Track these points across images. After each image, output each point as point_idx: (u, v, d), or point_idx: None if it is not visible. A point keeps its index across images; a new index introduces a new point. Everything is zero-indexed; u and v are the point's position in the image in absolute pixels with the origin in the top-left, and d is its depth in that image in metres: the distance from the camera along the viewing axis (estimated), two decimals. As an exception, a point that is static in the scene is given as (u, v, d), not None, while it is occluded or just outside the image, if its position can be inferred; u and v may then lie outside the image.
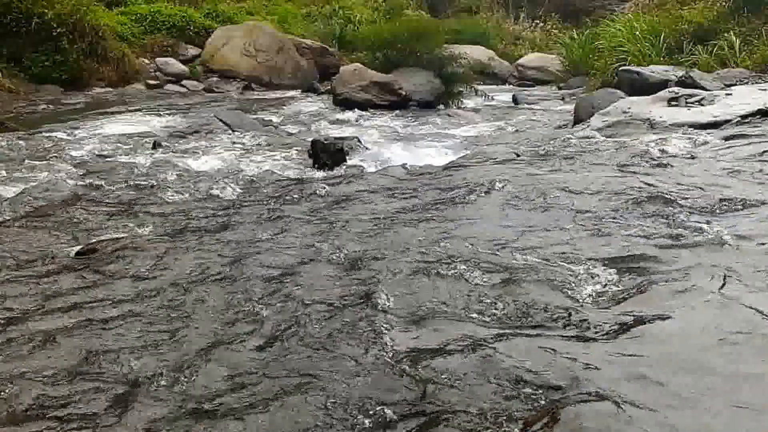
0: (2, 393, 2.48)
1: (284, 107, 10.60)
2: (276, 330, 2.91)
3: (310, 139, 6.96)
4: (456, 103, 10.69)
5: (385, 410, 2.27)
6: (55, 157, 6.61)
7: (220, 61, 14.98)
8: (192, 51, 15.32)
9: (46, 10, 12.06)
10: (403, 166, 5.71)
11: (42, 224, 4.53)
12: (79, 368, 2.66)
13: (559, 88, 13.97)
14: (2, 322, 3.05)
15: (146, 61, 14.51)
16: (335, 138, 6.46)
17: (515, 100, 11.73)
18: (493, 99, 11.28)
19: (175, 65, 14.49)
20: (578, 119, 7.43)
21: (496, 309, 2.91)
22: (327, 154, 6.10)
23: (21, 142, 7.20)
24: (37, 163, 6.32)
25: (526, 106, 11.01)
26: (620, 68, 10.39)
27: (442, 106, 10.47)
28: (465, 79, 11.06)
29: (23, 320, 3.07)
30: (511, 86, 16.13)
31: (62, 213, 4.77)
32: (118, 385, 2.54)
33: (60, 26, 12.28)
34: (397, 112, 9.84)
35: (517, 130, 8.17)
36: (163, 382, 2.55)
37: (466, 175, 5.39)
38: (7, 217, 4.67)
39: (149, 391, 2.51)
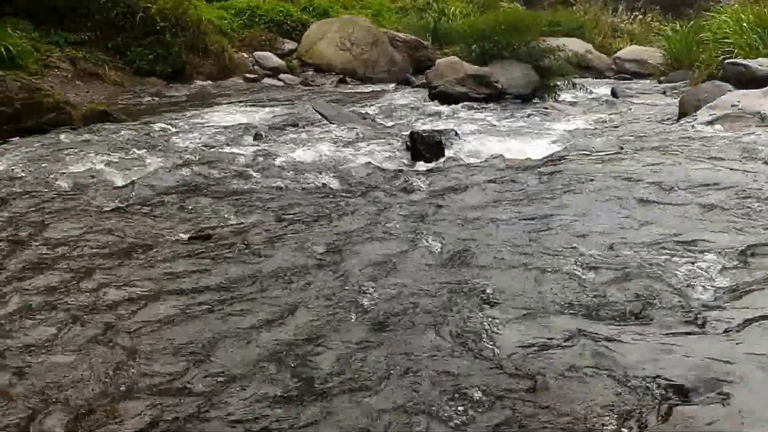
0: (123, 369, 2.62)
1: (379, 100, 10.67)
2: (380, 318, 2.96)
3: (408, 132, 6.99)
4: (553, 97, 10.51)
5: (493, 401, 2.27)
6: (163, 146, 6.88)
7: (315, 55, 15.24)
8: (288, 45, 15.63)
9: (150, 5, 12.55)
10: (503, 158, 5.67)
11: (154, 211, 4.74)
12: (193, 348, 2.78)
13: (660, 82, 13.51)
14: (122, 304, 3.21)
15: (245, 55, 14.89)
16: (433, 130, 6.46)
17: (614, 93, 11.43)
18: (591, 92, 11.02)
19: (272, 59, 14.82)
20: (683, 113, 7.18)
21: (607, 304, 2.86)
22: (425, 146, 6.11)
23: (129, 132, 7.52)
24: (145, 152, 6.60)
25: (625, 99, 10.71)
26: (726, 61, 9.97)
27: (538, 100, 10.31)
28: (562, 72, 10.85)
29: (142, 302, 3.22)
30: (609, 79, 15.71)
31: (173, 200, 4.97)
32: (231, 364, 2.64)
33: (163, 20, 12.76)
34: (493, 105, 9.74)
35: (618, 124, 7.96)
36: (274, 362, 2.64)
37: (567, 168, 5.31)
38: (121, 204, 4.90)
39: (262, 370, 2.60)
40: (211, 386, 2.51)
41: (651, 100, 10.36)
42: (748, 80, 8.38)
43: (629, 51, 18.46)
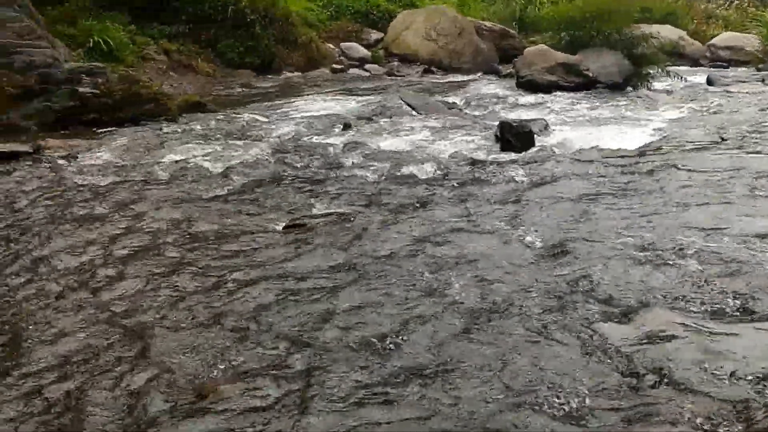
0: (226, 353, 2.71)
1: (466, 90, 10.61)
2: (474, 309, 2.96)
3: (497, 122, 6.93)
4: (645, 85, 10.20)
5: (598, 395, 2.24)
6: (255, 136, 7.05)
7: (401, 45, 15.26)
8: (374, 35, 15.71)
9: (241, -2, 12.83)
10: (597, 149, 5.55)
11: (250, 200, 4.86)
12: (293, 331, 2.84)
13: (758, 70, 12.93)
14: (223, 291, 3.31)
15: (331, 46, 15.05)
16: (522, 120, 6.38)
17: (710, 81, 11.00)
18: (685, 80, 10.64)
19: (358, 50, 14.93)
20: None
21: (715, 298, 2.77)
22: (515, 136, 6.05)
23: (222, 122, 7.74)
24: (239, 142, 6.78)
25: (722, 88, 10.29)
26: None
27: (630, 88, 10.03)
28: (655, 60, 10.51)
29: (245, 288, 3.32)
30: (703, 67, 15.13)
31: (268, 190, 5.09)
32: (328, 349, 2.69)
33: (253, 13, 13.01)
34: (583, 94, 9.54)
35: (716, 113, 7.67)
36: (369, 349, 2.68)
37: (665, 159, 5.17)
38: (219, 193, 5.05)
39: (359, 354, 2.64)
40: (310, 367, 2.56)
41: (750, 89, 9.94)
42: None
43: (724, 38, 17.74)
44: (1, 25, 7.28)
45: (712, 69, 14.30)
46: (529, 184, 4.83)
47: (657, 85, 10.44)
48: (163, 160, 6.00)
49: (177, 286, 3.33)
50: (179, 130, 7.33)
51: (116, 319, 3.02)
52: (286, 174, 5.49)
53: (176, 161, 5.97)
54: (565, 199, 4.39)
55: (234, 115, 8.36)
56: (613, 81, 9.93)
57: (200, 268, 3.57)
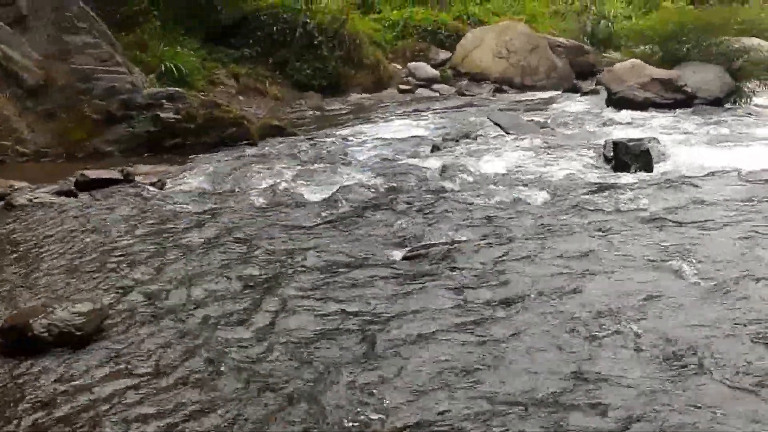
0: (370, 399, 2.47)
1: (550, 108, 10.29)
2: (661, 357, 2.64)
3: (600, 141, 6.62)
4: (747, 101, 9.74)
5: None
6: (342, 160, 6.86)
7: (470, 64, 15.01)
8: (442, 55, 15.50)
9: (309, 20, 12.79)
10: (734, 170, 5.18)
11: (356, 227, 4.65)
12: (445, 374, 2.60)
13: None
14: (358, 326, 3.07)
15: (398, 66, 14.90)
16: (635, 139, 6.03)
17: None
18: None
19: (426, 69, 14.73)
20: None
21: None
22: (632, 156, 5.72)
23: (305, 146, 7.59)
24: (328, 165, 6.60)
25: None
26: None
27: (730, 105, 9.58)
28: (757, 74, 10.04)
29: (382, 327, 3.07)
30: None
31: (371, 216, 4.87)
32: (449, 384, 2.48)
33: (321, 34, 12.97)
34: (683, 111, 9.13)
35: None
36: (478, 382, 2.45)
37: None
38: (323, 220, 4.83)
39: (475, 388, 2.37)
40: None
41: None
42: None
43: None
44: (80, 51, 7.29)
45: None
46: (665, 210, 4.48)
47: (757, 100, 9.96)
48: (256, 186, 5.84)
49: (318, 315, 3.11)
50: (263, 153, 7.21)
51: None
52: (388, 200, 5.26)
53: (269, 186, 5.80)
54: (715, 228, 4.04)
55: (314, 138, 8.22)
56: (713, 97, 9.49)
57: (329, 301, 3.35)
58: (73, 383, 2.66)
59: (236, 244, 4.27)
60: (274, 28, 12.70)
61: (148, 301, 3.43)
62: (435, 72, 14.83)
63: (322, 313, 3.23)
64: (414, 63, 14.99)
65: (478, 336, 2.92)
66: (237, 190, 5.77)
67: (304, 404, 2.47)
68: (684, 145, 6.78)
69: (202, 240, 4.34)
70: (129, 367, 2.78)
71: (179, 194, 5.51)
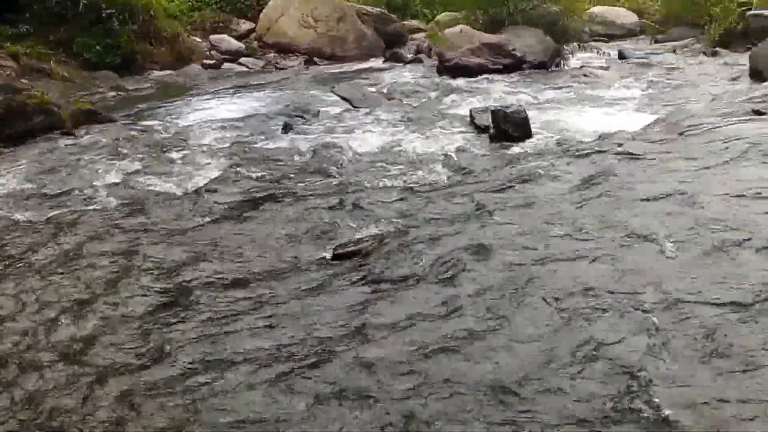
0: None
1: (380, 79, 10.01)
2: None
3: (468, 109, 6.50)
4: (565, 63, 10.15)
5: None
6: (188, 146, 6.16)
7: (276, 35, 14.45)
8: (245, 26, 14.82)
9: (94, -9, 11.59)
10: (608, 134, 5.23)
11: (251, 224, 4.09)
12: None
13: (656, 41, 13.34)
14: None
15: (198, 39, 14.00)
16: (510, 106, 5.91)
17: (621, 55, 11.15)
18: (608, 55, 10.72)
19: (230, 42, 13.98)
20: (756, 71, 6.91)
21: None
22: (512, 125, 5.59)
23: (134, 132, 6.75)
24: (174, 154, 5.89)
25: (641, 61, 10.42)
26: (749, 13, 9.85)
27: (555, 68, 9.92)
28: (578, 36, 10.50)
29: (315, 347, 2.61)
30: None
31: (260, 209, 4.34)
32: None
33: (109, 6, 11.81)
34: (516, 75, 9.28)
35: (680, 85, 7.61)
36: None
37: (680, 135, 4.94)
38: (203, 219, 4.21)
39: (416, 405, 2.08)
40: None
41: (671, 61, 10.11)
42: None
43: (598, 12, 18.36)
44: None
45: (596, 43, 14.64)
46: (581, 181, 4.31)
47: (576, 62, 10.42)
48: (97, 184, 5.01)
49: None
50: (87, 144, 6.28)
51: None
52: (272, 191, 4.71)
53: (116, 183, 5.02)
54: (642, 189, 3.94)
55: (139, 123, 7.36)
56: (539, 60, 9.76)
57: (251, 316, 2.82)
58: None
59: (104, 259, 3.57)
60: (54, 0, 11.38)
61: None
62: (240, 44, 14.17)
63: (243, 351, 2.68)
64: (216, 36, 14.22)
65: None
66: (73, 189, 4.92)
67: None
68: (539, 109, 6.79)
69: (53, 260, 3.58)
70: None
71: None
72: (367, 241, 3.60)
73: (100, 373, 2.55)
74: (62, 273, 3.46)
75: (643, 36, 15.55)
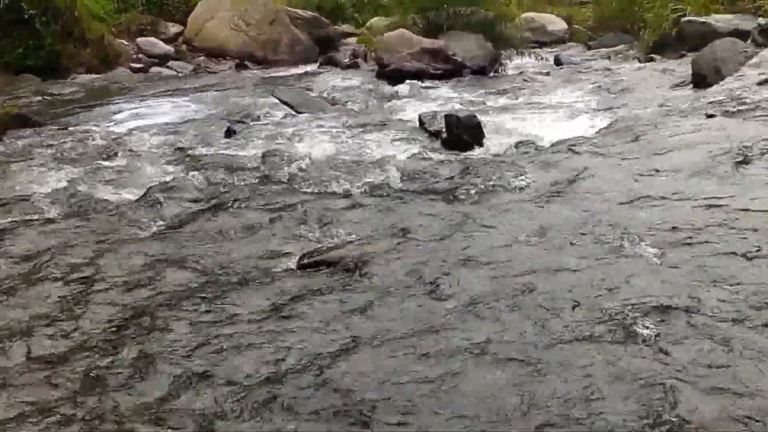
0: None
1: (318, 84, 9.85)
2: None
3: (417, 114, 6.48)
4: (504, 69, 10.26)
5: None
6: (130, 152, 5.93)
7: (205, 38, 14.20)
8: (173, 29, 14.51)
9: (15, -10, 11.13)
10: (560, 141, 5.27)
11: (212, 232, 3.92)
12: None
13: (589, 48, 13.62)
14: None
15: (125, 42, 13.62)
16: (463, 111, 5.90)
17: (558, 61, 11.32)
18: (546, 60, 10.87)
19: (158, 45, 13.67)
20: (699, 76, 7.06)
21: None
22: (466, 130, 5.56)
23: (66, 138, 6.47)
24: (113, 161, 5.67)
25: (578, 67, 10.59)
26: (683, 19, 10.13)
27: (494, 73, 10.00)
28: (518, 42, 10.61)
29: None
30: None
31: (220, 218, 4.16)
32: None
33: (31, 7, 11.38)
34: (456, 81, 9.30)
35: (624, 91, 7.72)
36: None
37: (637, 136, 5.04)
38: (159, 227, 4.04)
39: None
40: None
41: (609, 67, 10.30)
42: (711, 38, 8.44)
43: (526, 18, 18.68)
44: None
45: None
46: (542, 186, 4.31)
47: (511, 68, 10.53)
48: (34, 192, 4.74)
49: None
50: (15, 151, 6.01)
51: None
52: (226, 198, 4.54)
53: (56, 191, 4.75)
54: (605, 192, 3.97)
55: (69, 128, 7.06)
56: (479, 66, 9.82)
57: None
58: None
59: (52, 274, 3.37)
60: (-32, -1, 10.89)
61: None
62: (168, 48, 13.90)
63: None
64: (143, 38, 13.90)
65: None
66: (12, 201, 4.64)
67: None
68: (487, 115, 6.79)
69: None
70: None
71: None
72: (333, 250, 3.49)
73: (52, 399, 2.38)
74: (6, 291, 3.24)
75: (573, 43, 15.82)
